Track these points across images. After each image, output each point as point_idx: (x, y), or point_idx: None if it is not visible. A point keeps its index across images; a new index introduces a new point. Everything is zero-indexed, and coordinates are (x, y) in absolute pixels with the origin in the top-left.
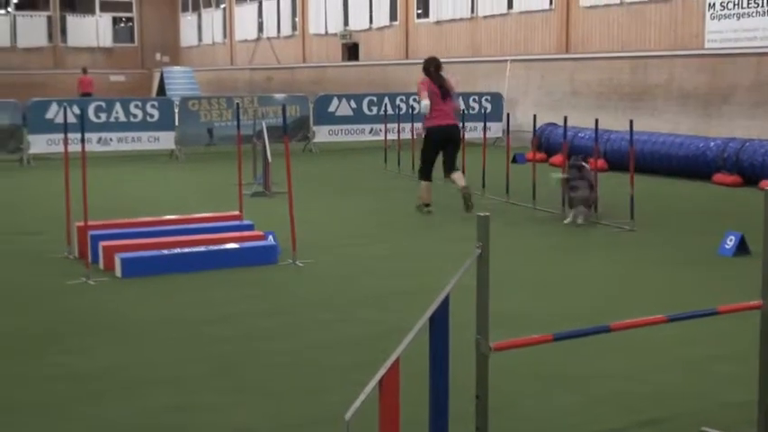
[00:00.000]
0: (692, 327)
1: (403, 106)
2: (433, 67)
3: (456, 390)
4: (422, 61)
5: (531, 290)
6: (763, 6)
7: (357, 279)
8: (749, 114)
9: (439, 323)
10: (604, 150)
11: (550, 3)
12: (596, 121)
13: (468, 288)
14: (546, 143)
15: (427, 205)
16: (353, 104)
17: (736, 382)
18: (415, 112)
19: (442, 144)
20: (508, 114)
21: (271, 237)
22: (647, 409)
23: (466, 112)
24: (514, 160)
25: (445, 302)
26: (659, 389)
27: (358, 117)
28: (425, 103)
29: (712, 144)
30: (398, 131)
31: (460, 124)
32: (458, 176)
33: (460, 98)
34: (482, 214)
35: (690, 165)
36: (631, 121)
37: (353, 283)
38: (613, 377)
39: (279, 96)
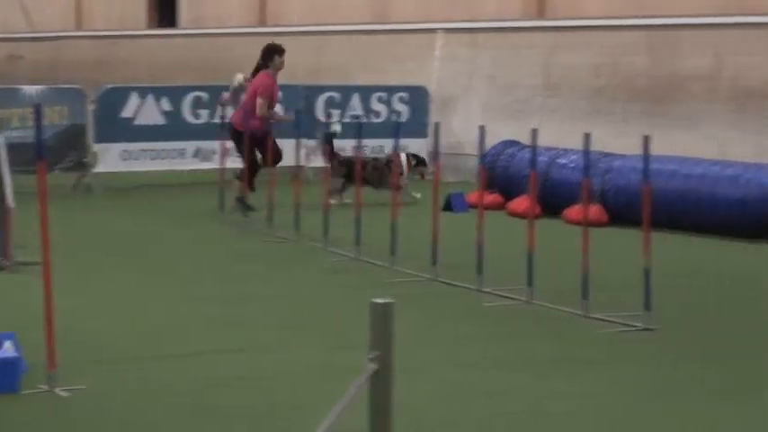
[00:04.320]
0: None
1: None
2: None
3: None
4: (287, 30)
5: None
6: None
7: (165, 422)
8: None
9: None
10: (602, 189)
11: None
12: (586, 137)
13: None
14: (503, 175)
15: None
16: (168, 105)
17: None
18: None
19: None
20: (438, 125)
21: (9, 343)
22: None
23: (365, 118)
24: (448, 205)
25: None
26: None
27: (175, 128)
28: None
29: None
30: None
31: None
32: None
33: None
34: (381, 301)
35: (750, 215)
36: (646, 139)
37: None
38: None
39: (30, 90)
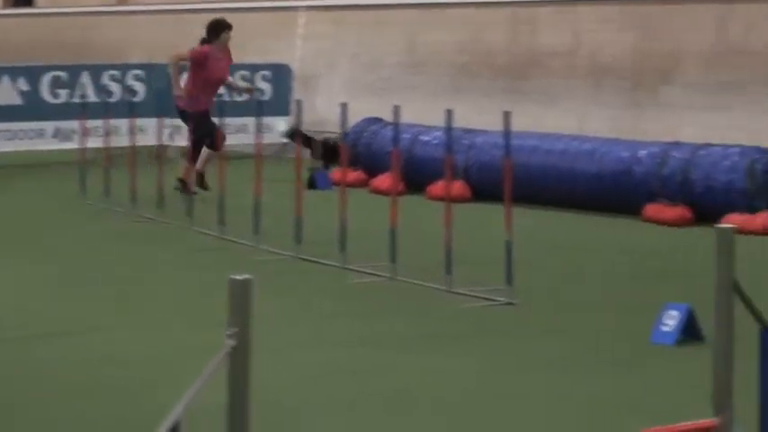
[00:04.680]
0: None
1: (116, 88)
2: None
3: None
4: (146, 9)
5: (328, 413)
6: None
7: (27, 403)
8: (707, 102)
9: None
10: (465, 165)
11: None
12: (448, 113)
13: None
14: (366, 153)
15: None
16: (25, 85)
17: None
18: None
19: None
20: (300, 102)
21: None
22: None
23: (228, 97)
24: (312, 183)
25: None
26: None
27: (33, 108)
28: None
29: (644, 153)
30: (107, 133)
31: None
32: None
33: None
34: (239, 277)
35: (607, 189)
36: (507, 115)
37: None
38: None
39: None
